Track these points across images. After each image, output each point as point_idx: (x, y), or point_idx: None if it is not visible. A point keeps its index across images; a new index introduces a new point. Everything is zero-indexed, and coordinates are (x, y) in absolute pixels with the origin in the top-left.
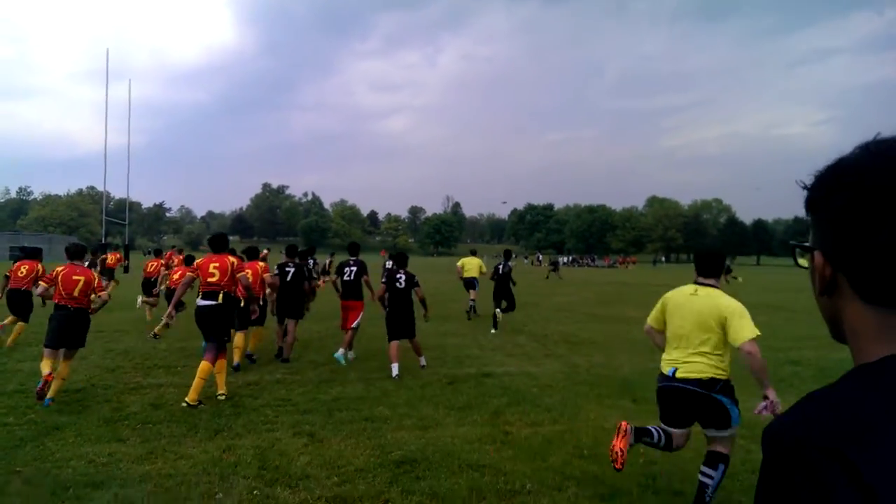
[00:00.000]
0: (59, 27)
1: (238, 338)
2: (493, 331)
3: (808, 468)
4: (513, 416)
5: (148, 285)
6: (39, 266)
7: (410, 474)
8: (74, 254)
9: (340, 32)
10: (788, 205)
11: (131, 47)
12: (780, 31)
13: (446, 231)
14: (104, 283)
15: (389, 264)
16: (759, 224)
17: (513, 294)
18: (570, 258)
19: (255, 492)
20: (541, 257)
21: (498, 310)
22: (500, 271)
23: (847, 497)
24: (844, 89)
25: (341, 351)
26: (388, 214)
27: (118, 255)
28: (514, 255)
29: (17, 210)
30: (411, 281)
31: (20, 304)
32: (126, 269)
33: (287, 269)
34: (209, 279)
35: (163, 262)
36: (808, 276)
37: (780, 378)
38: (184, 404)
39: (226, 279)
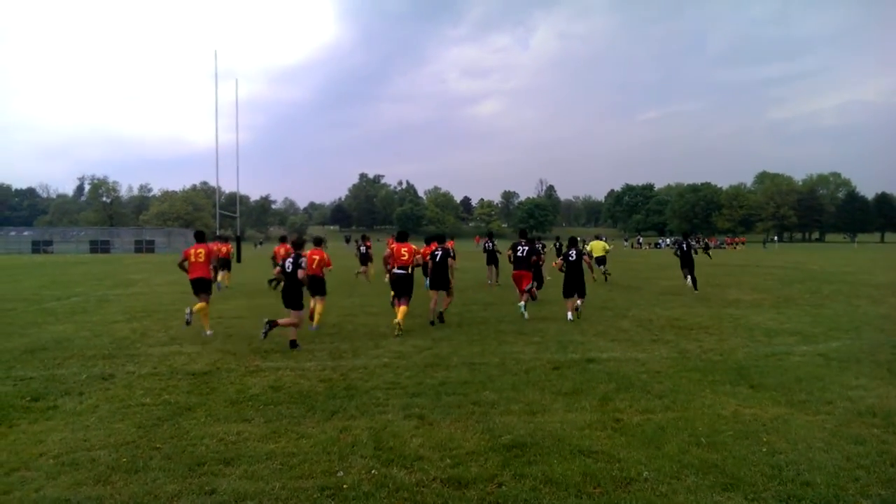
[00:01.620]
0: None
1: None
2: (570, 317)
3: None
4: (622, 402)
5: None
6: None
7: (521, 458)
8: (200, 235)
9: (432, 19)
10: None
11: (238, 51)
12: None
13: (540, 215)
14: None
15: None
16: (883, 198)
17: (584, 282)
18: (673, 240)
19: (372, 471)
20: (641, 240)
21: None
22: (572, 258)
23: None
24: None
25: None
26: (482, 200)
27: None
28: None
29: (140, 206)
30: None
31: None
32: (239, 259)
33: (436, 252)
34: (401, 258)
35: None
36: None
37: None
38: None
39: (411, 258)
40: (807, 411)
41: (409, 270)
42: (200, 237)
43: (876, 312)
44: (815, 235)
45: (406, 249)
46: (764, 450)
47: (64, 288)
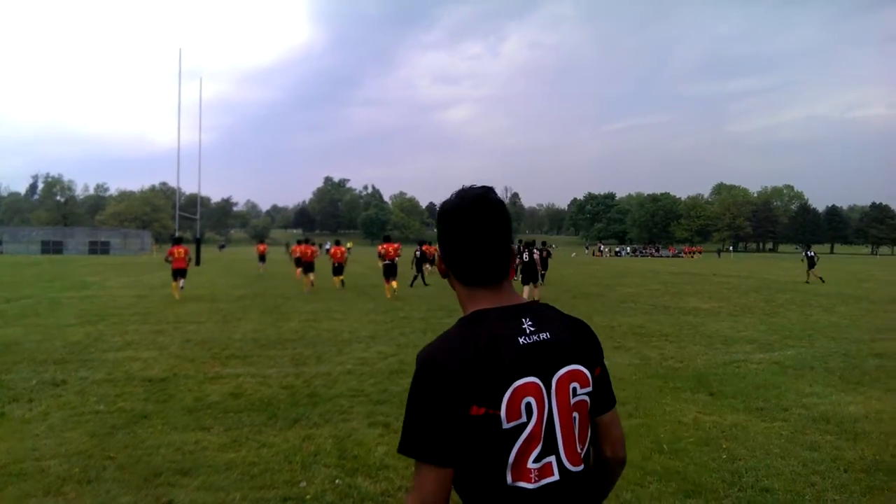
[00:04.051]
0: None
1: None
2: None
3: (420, 369)
4: None
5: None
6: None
7: None
8: (179, 240)
9: (406, 23)
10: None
11: (206, 50)
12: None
13: None
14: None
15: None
16: (833, 211)
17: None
18: (632, 248)
19: (336, 481)
20: (602, 248)
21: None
22: (526, 259)
23: (429, 374)
24: None
25: None
26: None
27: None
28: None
29: (95, 206)
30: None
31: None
32: (198, 262)
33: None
34: (389, 254)
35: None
36: (887, 266)
37: (864, 371)
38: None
39: (395, 253)
40: (764, 418)
41: (394, 261)
42: (178, 241)
43: (827, 321)
44: (769, 246)
45: (392, 247)
46: (724, 456)
47: (13, 289)
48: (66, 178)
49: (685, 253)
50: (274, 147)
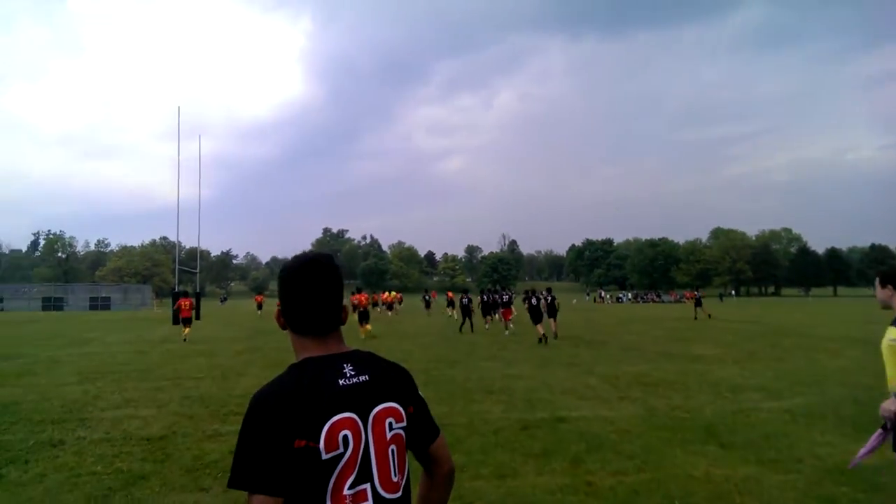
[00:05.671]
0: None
1: None
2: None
3: (251, 407)
4: (593, 464)
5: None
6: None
7: None
8: (185, 293)
9: (401, 81)
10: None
11: (204, 107)
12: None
13: (503, 269)
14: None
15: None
16: (834, 253)
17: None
18: (634, 294)
19: None
20: (603, 293)
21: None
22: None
23: (257, 411)
24: None
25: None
26: (445, 254)
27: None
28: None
29: (96, 262)
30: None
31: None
32: (198, 316)
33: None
34: (361, 302)
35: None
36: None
37: (877, 418)
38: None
39: (366, 302)
40: (777, 470)
41: (367, 308)
42: (185, 294)
43: (836, 366)
44: (771, 289)
45: (364, 297)
46: None
47: (12, 347)
48: (67, 235)
49: (687, 298)
50: (272, 199)
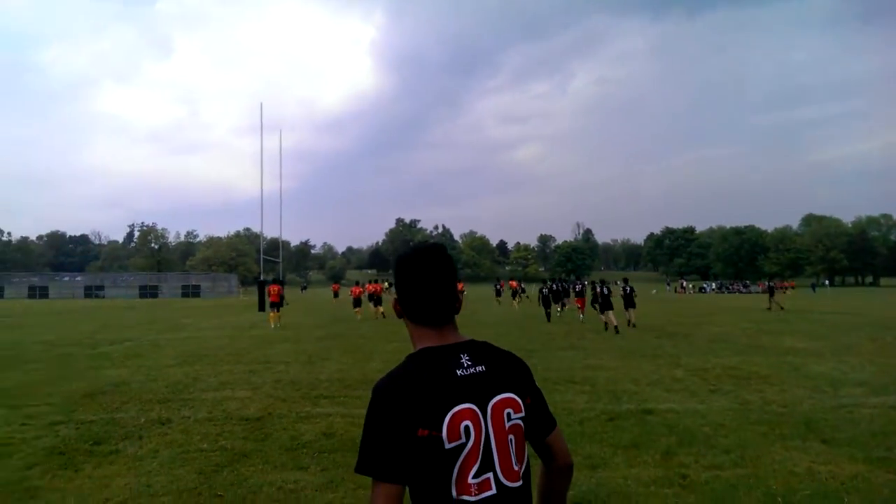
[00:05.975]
0: (222, 86)
1: None
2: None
3: (374, 398)
4: (686, 457)
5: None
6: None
7: None
8: (267, 282)
9: (469, 73)
10: None
11: (284, 101)
12: None
13: (578, 259)
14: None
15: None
16: None
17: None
18: (718, 284)
19: None
20: (685, 283)
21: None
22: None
23: (381, 401)
24: None
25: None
26: (518, 244)
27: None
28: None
29: (186, 252)
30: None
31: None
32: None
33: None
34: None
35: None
36: None
37: None
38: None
39: (380, 290)
40: (888, 469)
41: (373, 294)
42: (274, 281)
43: None
44: (869, 279)
45: (374, 287)
46: None
47: (117, 332)
48: (159, 227)
49: (778, 288)
50: (348, 191)
